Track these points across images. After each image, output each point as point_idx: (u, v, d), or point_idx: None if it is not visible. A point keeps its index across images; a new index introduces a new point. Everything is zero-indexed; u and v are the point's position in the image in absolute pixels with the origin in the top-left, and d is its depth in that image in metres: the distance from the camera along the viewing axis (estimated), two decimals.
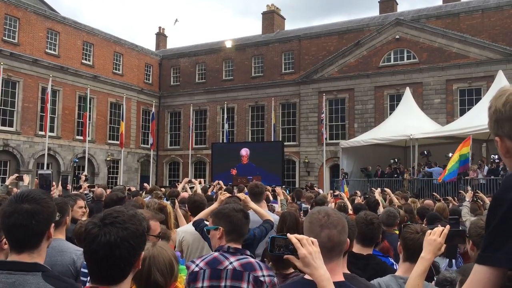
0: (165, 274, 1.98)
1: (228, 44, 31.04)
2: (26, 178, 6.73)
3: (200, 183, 9.55)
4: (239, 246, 2.81)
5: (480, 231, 2.51)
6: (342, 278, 1.89)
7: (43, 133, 23.49)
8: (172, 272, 2.01)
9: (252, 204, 4.26)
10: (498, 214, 1.21)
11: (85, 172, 24.01)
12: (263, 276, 2.61)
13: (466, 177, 16.37)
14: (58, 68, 26.32)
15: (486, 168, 16.92)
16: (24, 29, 25.19)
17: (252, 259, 2.72)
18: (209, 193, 9.04)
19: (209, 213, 4.05)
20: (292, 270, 3.05)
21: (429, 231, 2.42)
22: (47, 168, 23.44)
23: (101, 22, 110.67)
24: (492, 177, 16.25)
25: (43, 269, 1.85)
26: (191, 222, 4.71)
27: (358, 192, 9.32)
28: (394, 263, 3.61)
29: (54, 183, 3.51)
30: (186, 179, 10.14)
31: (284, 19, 34.47)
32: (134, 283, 1.99)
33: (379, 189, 9.25)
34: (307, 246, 1.66)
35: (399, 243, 2.83)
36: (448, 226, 2.41)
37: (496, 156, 16.69)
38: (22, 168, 23.93)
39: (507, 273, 1.21)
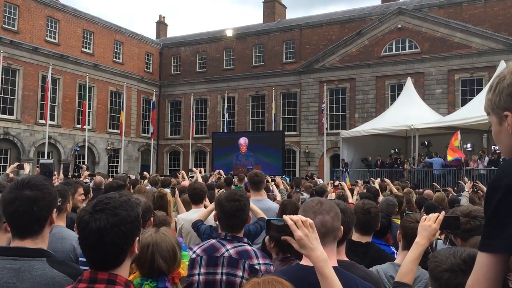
0: (168, 261, 1.99)
1: (229, 33, 30.87)
2: (27, 167, 6.73)
3: (200, 172, 9.56)
4: (239, 235, 2.81)
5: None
6: (335, 264, 1.90)
7: (43, 121, 23.48)
8: (175, 258, 2.02)
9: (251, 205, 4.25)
10: (494, 200, 1.21)
11: (86, 162, 24.07)
12: (259, 264, 2.61)
13: (467, 167, 16.38)
14: (58, 56, 26.22)
15: (486, 158, 16.92)
16: (24, 16, 25.05)
17: (248, 247, 2.72)
18: (209, 182, 9.06)
19: (207, 213, 4.08)
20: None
21: (424, 216, 2.43)
22: (48, 157, 23.47)
23: (101, 10, 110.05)
24: (493, 167, 16.24)
25: (47, 255, 1.87)
26: (192, 210, 4.74)
27: (359, 182, 9.32)
28: (395, 251, 3.63)
29: (55, 172, 3.52)
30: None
31: (285, 7, 34.26)
32: (138, 268, 2.00)
33: (378, 179, 9.27)
34: (303, 228, 1.66)
35: (398, 231, 2.84)
36: (443, 212, 2.42)
37: (497, 147, 16.68)
38: (23, 156, 23.96)
39: (509, 259, 1.20)
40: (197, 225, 3.93)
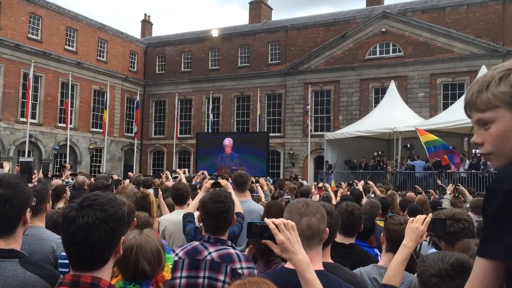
0: (152, 263, 1.95)
1: (215, 33, 30.79)
2: (6, 166, 6.54)
3: (184, 173, 9.49)
4: (222, 237, 2.75)
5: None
6: (321, 267, 1.89)
7: (24, 119, 23.06)
8: (159, 261, 1.98)
9: (231, 191, 4.21)
10: (493, 206, 1.18)
11: (68, 162, 23.71)
12: (242, 268, 2.56)
13: (448, 170, 16.60)
14: (40, 53, 25.80)
15: (467, 162, 17.18)
16: (6, 12, 24.58)
17: (231, 250, 2.67)
18: (193, 183, 8.99)
19: (197, 203, 4.01)
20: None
21: (411, 218, 2.43)
22: (28, 155, 23.06)
23: (84, 7, 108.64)
24: (473, 171, 16.51)
25: (20, 256, 1.81)
26: (175, 211, 4.69)
27: (343, 184, 9.38)
28: (379, 253, 3.65)
29: (35, 171, 3.44)
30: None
31: (271, 9, 34.33)
32: (120, 272, 1.95)
33: (362, 182, 9.32)
34: (285, 231, 1.63)
35: (382, 233, 2.85)
36: (430, 214, 2.43)
37: (477, 151, 16.95)
38: (2, 155, 23.49)
39: (507, 266, 1.18)
40: (185, 221, 3.82)
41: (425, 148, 15.12)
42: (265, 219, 1.68)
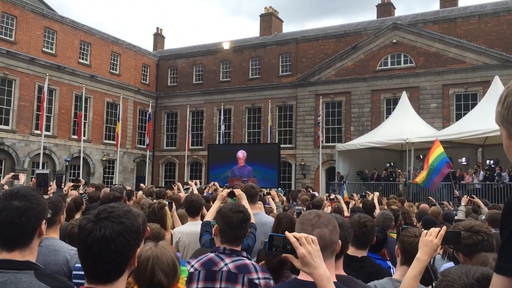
0: (168, 275, 1.96)
1: (226, 46, 31.04)
2: (22, 177, 6.67)
3: (196, 184, 9.51)
4: (237, 248, 2.77)
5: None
6: (334, 279, 1.88)
7: (39, 132, 23.38)
8: (175, 272, 1.99)
9: (244, 202, 4.21)
10: (511, 222, 1.18)
11: (81, 173, 23.95)
12: (258, 278, 2.57)
13: (461, 181, 16.40)
14: (55, 67, 26.23)
15: (481, 173, 16.96)
16: (21, 27, 25.10)
17: (248, 261, 2.68)
18: (205, 194, 9.01)
19: (215, 212, 4.01)
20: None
21: (425, 231, 2.40)
22: (43, 167, 23.34)
23: (97, 21, 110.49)
24: (488, 182, 16.29)
25: (35, 267, 1.82)
26: (188, 223, 4.69)
27: (355, 195, 9.32)
28: (391, 266, 3.60)
29: (51, 183, 3.49)
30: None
31: (282, 21, 34.53)
32: (136, 283, 1.96)
33: (377, 193, 9.21)
34: (306, 245, 1.62)
35: (396, 246, 2.82)
36: (444, 227, 2.39)
37: (492, 161, 16.75)
38: (17, 167, 23.80)
39: None
40: (203, 229, 3.78)
41: (441, 159, 14.78)
42: (286, 232, 1.68)
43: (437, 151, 14.11)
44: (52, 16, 27.07)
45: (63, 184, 9.33)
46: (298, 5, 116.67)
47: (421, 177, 14.36)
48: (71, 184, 9.45)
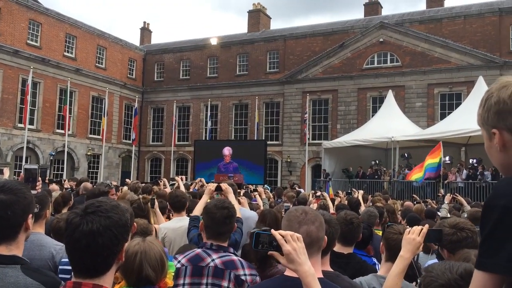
0: (156, 270, 1.97)
1: (214, 42, 30.92)
2: (6, 172, 6.56)
3: (182, 180, 9.47)
4: (224, 244, 2.77)
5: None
6: (321, 275, 1.90)
7: (22, 125, 23.03)
8: (163, 267, 2.00)
9: (231, 196, 4.23)
10: (491, 220, 1.22)
11: (65, 168, 23.68)
12: (245, 275, 2.58)
13: (445, 181, 16.64)
14: (39, 59, 25.83)
15: (464, 172, 17.23)
16: (6, 19, 24.64)
17: (234, 257, 2.70)
18: (191, 190, 8.99)
19: (203, 205, 4.00)
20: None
21: (408, 229, 2.44)
22: (26, 161, 23.01)
23: (83, 14, 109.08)
24: (470, 181, 16.56)
25: (21, 262, 1.81)
26: (174, 219, 4.69)
27: (340, 192, 9.39)
28: (377, 262, 3.65)
29: (40, 178, 3.44)
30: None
31: (270, 18, 34.49)
32: (124, 278, 1.96)
33: (361, 191, 9.31)
34: (292, 243, 1.65)
35: (381, 243, 2.86)
36: (426, 225, 2.44)
37: (475, 160, 17.02)
38: (0, 161, 23.42)
39: (506, 279, 1.21)
40: (191, 224, 3.77)
41: (438, 165, 14.97)
42: (272, 230, 1.69)
43: (438, 154, 14.47)
44: (37, 8, 26.62)
45: (46, 178, 9.22)
46: (286, 2, 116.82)
47: (417, 175, 14.75)
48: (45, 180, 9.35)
